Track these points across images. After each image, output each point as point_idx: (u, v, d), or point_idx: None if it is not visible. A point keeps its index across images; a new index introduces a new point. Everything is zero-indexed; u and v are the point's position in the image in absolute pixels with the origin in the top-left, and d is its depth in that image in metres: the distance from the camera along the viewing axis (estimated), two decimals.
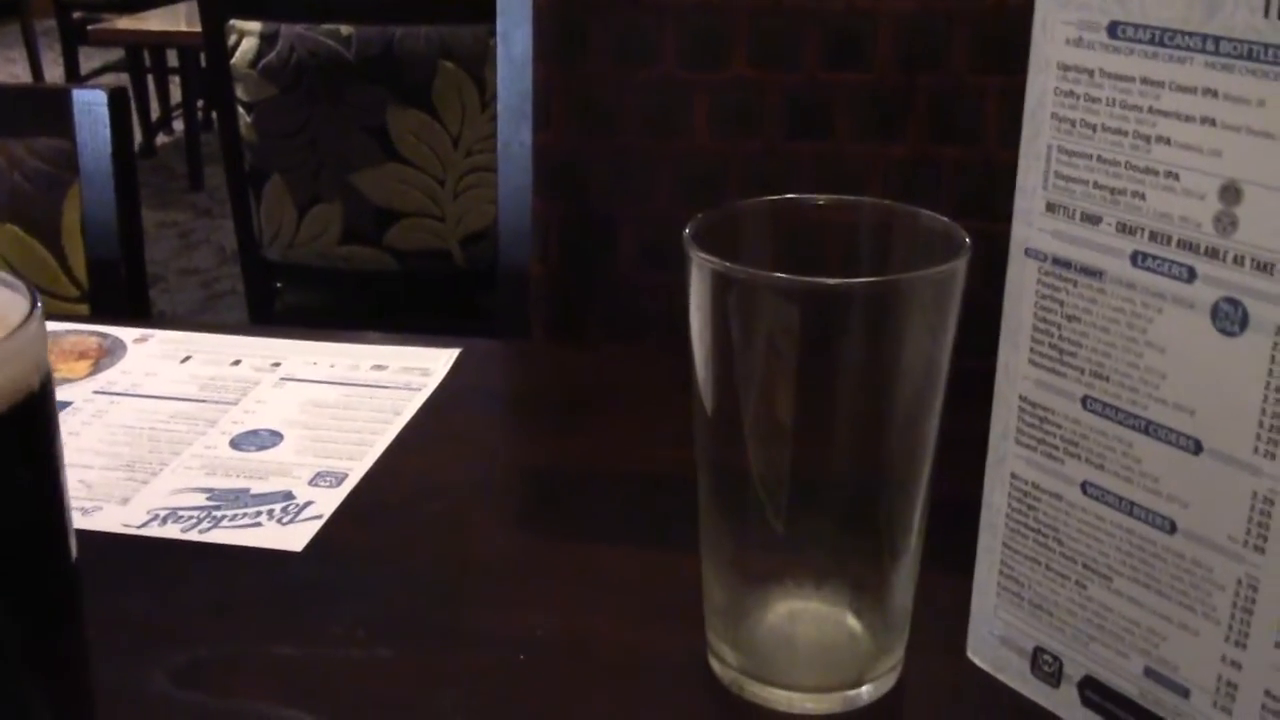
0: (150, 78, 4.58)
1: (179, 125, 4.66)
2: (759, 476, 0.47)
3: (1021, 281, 0.46)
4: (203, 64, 4.08)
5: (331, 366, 0.79)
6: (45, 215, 1.05)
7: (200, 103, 4.40)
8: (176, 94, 4.60)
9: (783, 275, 0.43)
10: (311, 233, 1.86)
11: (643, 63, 1.00)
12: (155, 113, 4.70)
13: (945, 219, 0.47)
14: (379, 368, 0.79)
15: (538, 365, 0.81)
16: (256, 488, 0.65)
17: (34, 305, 0.36)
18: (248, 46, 1.78)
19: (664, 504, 0.63)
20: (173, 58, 4.50)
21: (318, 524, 0.62)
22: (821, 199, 0.49)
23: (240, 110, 1.81)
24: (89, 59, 4.86)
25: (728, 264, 0.44)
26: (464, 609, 0.56)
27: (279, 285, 1.95)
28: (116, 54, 4.60)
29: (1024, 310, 0.46)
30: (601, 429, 0.72)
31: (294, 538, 0.61)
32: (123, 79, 4.40)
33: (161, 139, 4.85)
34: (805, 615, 0.51)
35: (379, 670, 0.52)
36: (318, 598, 0.57)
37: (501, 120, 1.03)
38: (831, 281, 0.43)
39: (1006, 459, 0.48)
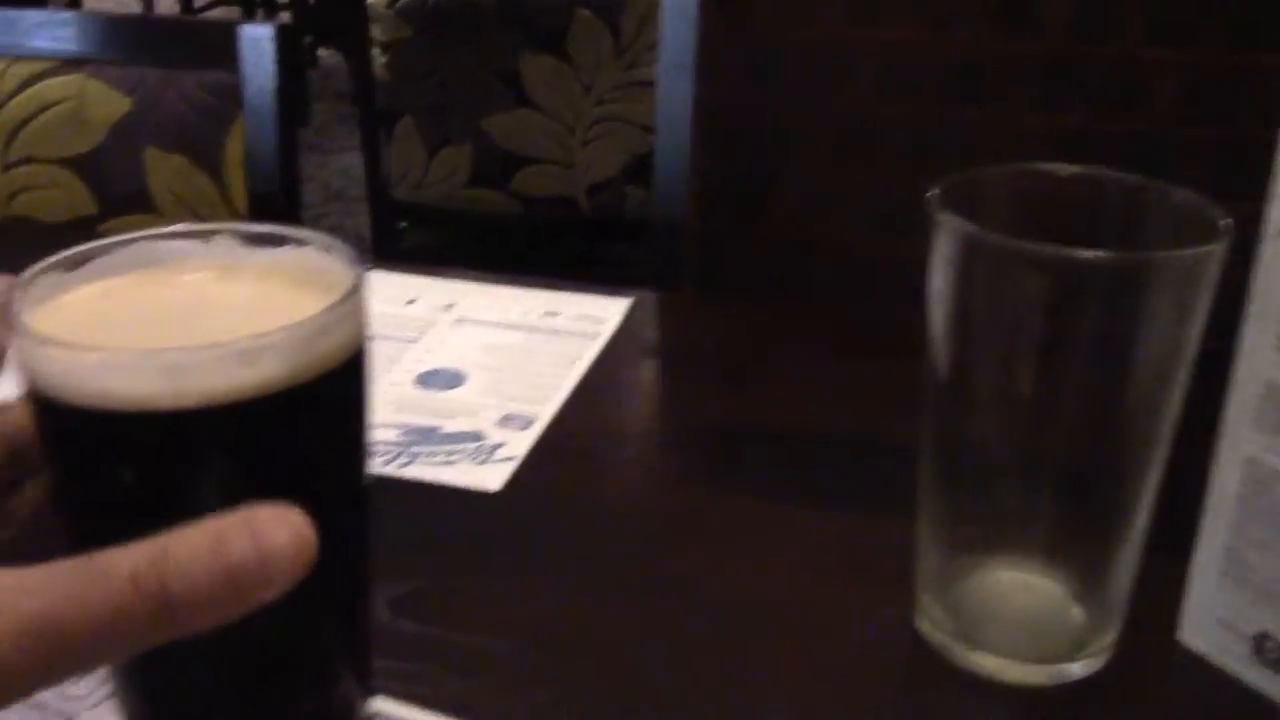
0: (260, 12, 4.63)
1: None
2: (989, 446, 0.47)
3: (1274, 264, 0.45)
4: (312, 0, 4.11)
5: (505, 310, 0.80)
6: (210, 147, 1.07)
7: (308, 39, 4.44)
8: None
9: (1036, 244, 0.43)
10: (440, 174, 1.87)
11: (810, 19, 0.99)
12: None
13: (1201, 197, 0.46)
14: (551, 314, 0.80)
15: (710, 318, 0.81)
16: (447, 426, 0.66)
17: (361, 267, 0.37)
18: None
19: (849, 465, 0.63)
20: None
21: (511, 465, 0.63)
22: (1066, 169, 0.49)
23: (375, 50, 1.82)
24: None
25: (979, 229, 0.44)
26: (665, 558, 0.57)
27: (403, 225, 1.97)
28: None
29: (1275, 294, 0.45)
30: (779, 385, 0.72)
31: (490, 478, 0.62)
32: (234, 13, 4.45)
33: None
34: (1023, 586, 0.51)
35: (586, 614, 0.53)
36: (520, 537, 0.58)
37: (663, 72, 1.02)
38: (1086, 254, 0.43)
39: (1242, 443, 0.47)
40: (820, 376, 0.73)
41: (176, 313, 0.39)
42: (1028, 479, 0.47)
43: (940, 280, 0.46)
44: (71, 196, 1.11)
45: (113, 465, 0.35)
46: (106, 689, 0.48)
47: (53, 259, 0.38)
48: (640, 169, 1.85)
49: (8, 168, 1.11)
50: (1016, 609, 0.51)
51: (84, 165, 1.10)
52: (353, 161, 3.02)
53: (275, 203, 1.07)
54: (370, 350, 0.39)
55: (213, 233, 0.41)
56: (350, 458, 0.39)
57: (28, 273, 0.37)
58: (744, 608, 0.53)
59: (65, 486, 0.36)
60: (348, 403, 0.38)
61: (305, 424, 0.36)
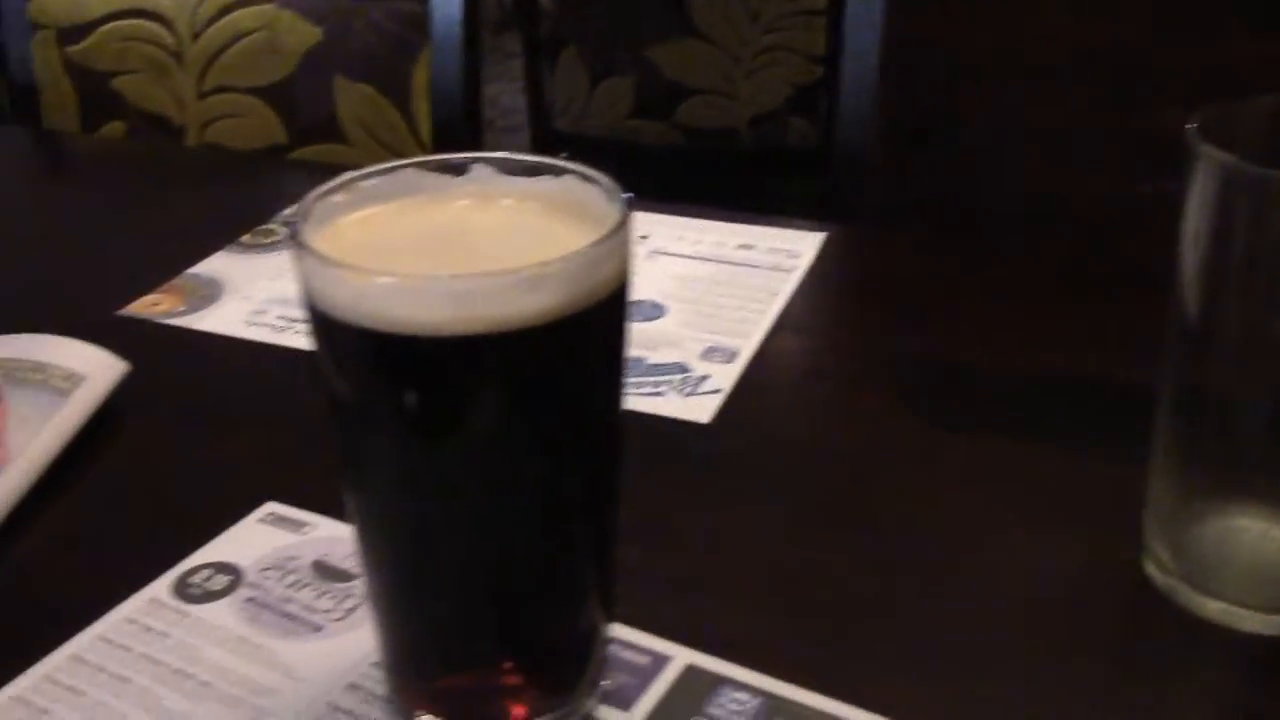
0: None
1: None
2: (1237, 391, 0.46)
3: None
4: None
5: (698, 243, 0.80)
6: (397, 76, 1.09)
7: None
8: None
9: None
10: (602, 104, 1.87)
11: None
12: None
13: None
14: (745, 247, 0.79)
15: (907, 253, 0.80)
16: (652, 358, 0.67)
17: (624, 198, 0.38)
18: None
19: (1058, 403, 0.62)
20: None
21: (718, 398, 0.63)
22: None
23: None
24: None
25: (1241, 161, 0.42)
26: (877, 492, 0.56)
27: (564, 156, 1.98)
28: None
29: None
30: (980, 321, 0.71)
31: (699, 410, 0.62)
32: None
33: None
34: (1260, 535, 0.49)
35: (800, 543, 0.53)
36: (731, 468, 0.58)
37: (851, 1, 1.01)
38: None
39: None
40: (1023, 314, 0.72)
41: (440, 239, 0.40)
42: (1276, 426, 0.46)
43: (1196, 218, 0.45)
44: (263, 125, 1.14)
45: (395, 388, 0.36)
46: (351, 603, 0.50)
47: (324, 187, 0.40)
48: (804, 100, 1.82)
49: (203, 96, 1.15)
50: (1252, 556, 0.50)
51: (275, 94, 1.13)
52: (501, 91, 3.03)
53: (458, 131, 1.08)
54: (632, 283, 0.39)
55: (470, 162, 0.41)
56: (612, 388, 0.40)
57: (307, 199, 0.39)
58: (958, 544, 0.53)
59: (344, 405, 0.38)
60: (614, 333, 0.39)
61: (577, 353, 0.37)
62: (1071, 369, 0.65)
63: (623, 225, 0.37)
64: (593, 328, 0.37)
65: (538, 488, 0.38)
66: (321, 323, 0.36)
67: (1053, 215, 0.98)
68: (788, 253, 0.78)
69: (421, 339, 0.34)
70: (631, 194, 0.39)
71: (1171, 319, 0.47)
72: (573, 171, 0.41)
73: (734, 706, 0.45)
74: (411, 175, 0.41)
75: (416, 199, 0.41)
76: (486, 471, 0.37)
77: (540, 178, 0.41)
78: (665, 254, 0.78)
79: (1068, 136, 0.98)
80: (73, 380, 0.61)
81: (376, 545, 0.41)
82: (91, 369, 0.62)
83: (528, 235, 0.39)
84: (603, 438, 0.40)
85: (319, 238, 0.37)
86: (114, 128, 1.19)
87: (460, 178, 0.41)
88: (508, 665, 0.43)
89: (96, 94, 1.18)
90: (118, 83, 1.17)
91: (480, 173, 0.41)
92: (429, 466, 0.37)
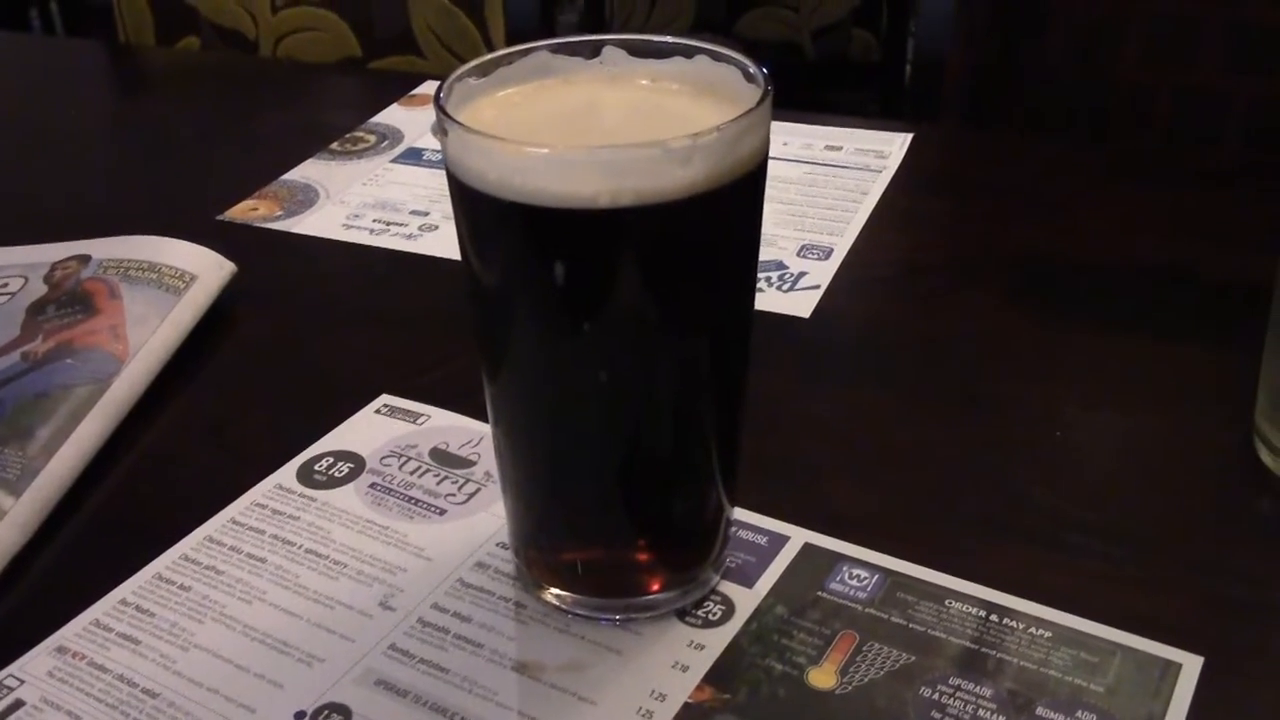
0: None
1: None
2: None
3: None
4: None
5: (784, 144, 0.80)
6: None
7: None
8: None
9: None
10: (663, 18, 1.86)
11: None
12: None
13: None
14: (833, 148, 0.79)
15: (993, 152, 0.80)
16: None
17: (763, 74, 0.39)
18: None
19: (1162, 295, 0.62)
20: None
21: (817, 294, 0.64)
22: None
23: None
24: None
25: None
26: (987, 381, 0.57)
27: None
28: None
29: None
30: (1072, 219, 0.71)
31: (799, 305, 0.63)
32: None
33: None
34: None
35: (904, 428, 0.54)
36: (833, 359, 0.59)
37: None
38: None
39: None
40: (1125, 207, 0.71)
41: (578, 118, 0.40)
42: None
43: None
44: (337, 38, 1.14)
45: (544, 262, 0.36)
46: (472, 488, 0.51)
47: (464, 68, 0.40)
48: (868, 11, 1.80)
49: (277, 10, 1.15)
50: None
51: (349, 6, 1.13)
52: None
53: (532, 41, 1.08)
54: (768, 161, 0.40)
55: (602, 44, 0.42)
56: (747, 270, 0.40)
57: (449, 79, 0.39)
58: (1068, 427, 0.53)
59: (488, 284, 0.39)
60: (752, 212, 0.39)
61: (718, 229, 0.38)
62: (1177, 261, 0.65)
63: (764, 101, 0.37)
64: (734, 204, 0.38)
65: (677, 367, 0.39)
66: (469, 199, 0.37)
67: (1145, 112, 0.97)
68: (875, 153, 0.78)
69: (573, 211, 0.35)
70: (768, 77, 0.39)
71: None
72: (704, 52, 0.41)
73: (854, 582, 0.46)
74: (545, 57, 0.42)
75: (550, 80, 0.41)
76: (627, 350, 0.38)
77: (672, 59, 0.41)
78: None
79: (1157, 28, 0.96)
80: (184, 279, 0.62)
81: (515, 425, 0.42)
82: (201, 269, 0.64)
83: (665, 114, 0.40)
84: (736, 320, 0.41)
85: (463, 115, 0.38)
86: (189, 43, 1.20)
87: (593, 60, 0.42)
88: (640, 542, 0.44)
89: (171, 9, 1.18)
90: None
91: (612, 55, 0.42)
92: (571, 344, 0.38)
